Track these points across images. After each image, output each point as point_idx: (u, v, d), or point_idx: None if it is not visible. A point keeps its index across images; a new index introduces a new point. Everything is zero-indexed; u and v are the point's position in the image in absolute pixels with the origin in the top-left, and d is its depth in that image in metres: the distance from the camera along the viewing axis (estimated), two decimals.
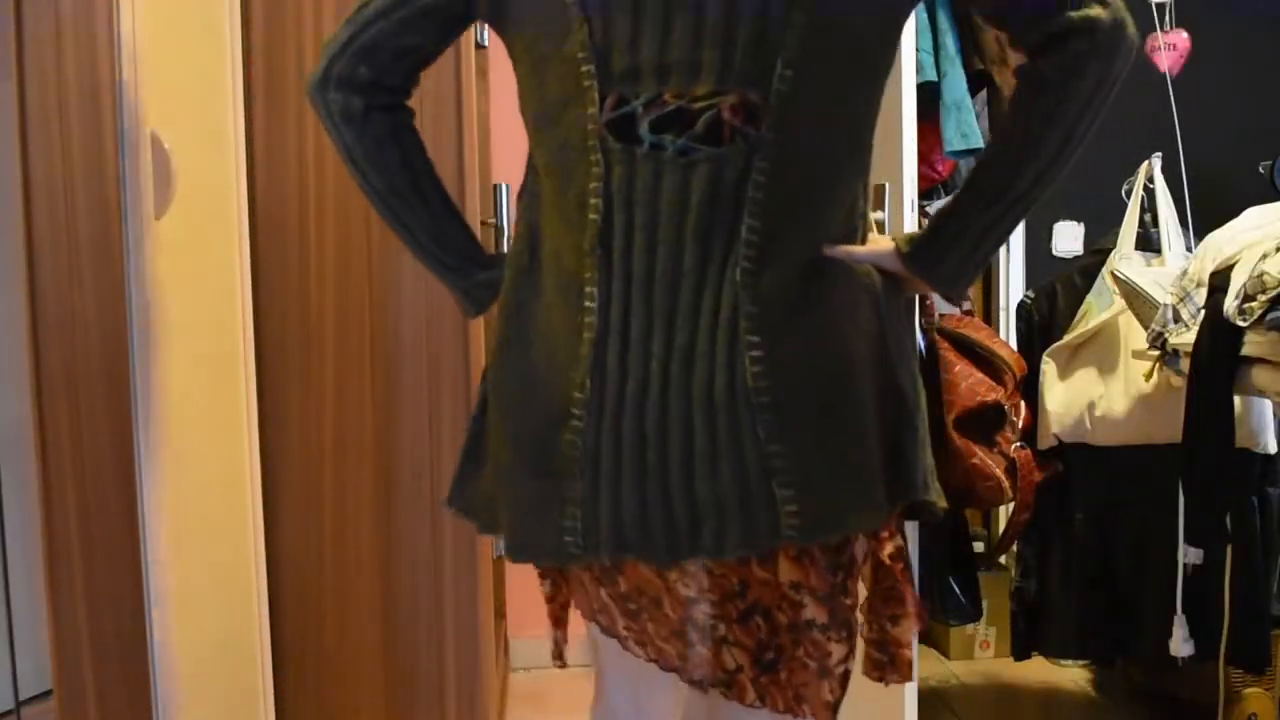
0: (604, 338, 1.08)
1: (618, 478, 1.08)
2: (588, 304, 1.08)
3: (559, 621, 1.33)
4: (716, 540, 1.08)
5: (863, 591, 1.21)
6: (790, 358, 1.06)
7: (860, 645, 1.22)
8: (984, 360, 2.22)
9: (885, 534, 1.18)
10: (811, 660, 1.15)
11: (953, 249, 1.12)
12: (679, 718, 1.35)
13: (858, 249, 1.13)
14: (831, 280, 1.10)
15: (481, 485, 1.23)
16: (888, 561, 1.18)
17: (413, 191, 1.23)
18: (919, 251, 1.13)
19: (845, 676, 1.16)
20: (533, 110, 1.15)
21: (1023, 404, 2.26)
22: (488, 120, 2.76)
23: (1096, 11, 1.02)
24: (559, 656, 1.34)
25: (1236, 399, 1.87)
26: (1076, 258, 3.04)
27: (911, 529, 2.18)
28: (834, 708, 1.15)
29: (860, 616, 1.21)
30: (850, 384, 1.09)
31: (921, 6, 2.19)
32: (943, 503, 1.19)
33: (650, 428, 1.07)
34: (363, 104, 1.18)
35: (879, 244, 1.15)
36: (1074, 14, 1.02)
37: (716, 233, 1.06)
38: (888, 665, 1.23)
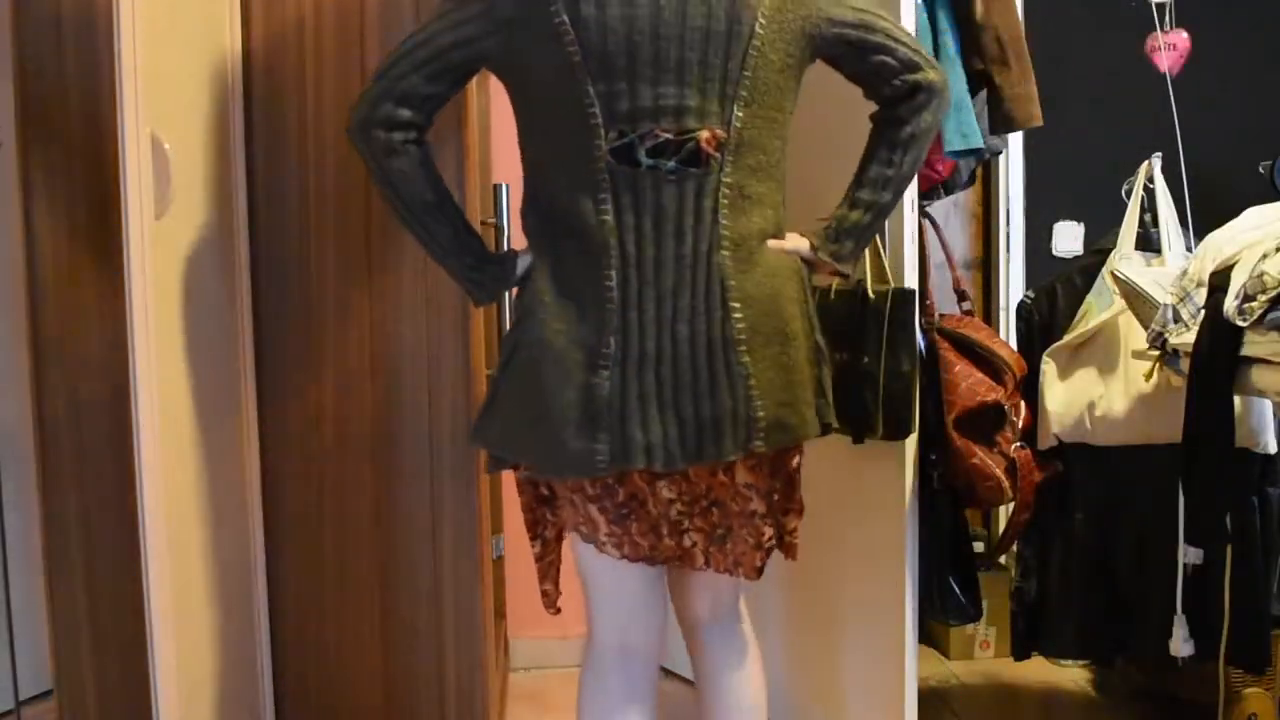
0: (624, 307, 1.46)
1: (645, 412, 1.47)
2: (607, 283, 1.46)
3: (546, 576, 1.69)
4: (717, 448, 1.49)
5: None
6: (756, 318, 1.50)
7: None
8: (984, 360, 2.22)
9: (795, 449, 1.62)
10: (750, 538, 1.59)
11: (845, 244, 1.62)
12: (662, 655, 1.72)
13: (787, 243, 1.58)
14: (776, 262, 1.55)
15: (500, 428, 1.57)
16: (792, 468, 1.62)
17: (438, 208, 1.56)
18: (825, 246, 1.61)
19: (770, 550, 1.61)
20: (542, 140, 1.52)
21: (1023, 404, 2.26)
22: (488, 120, 2.76)
23: (930, 75, 1.57)
24: (552, 606, 1.69)
25: (1236, 399, 1.87)
26: (1076, 258, 3.04)
27: (912, 528, 2.19)
28: (760, 570, 1.61)
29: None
30: (790, 337, 1.54)
31: (922, 7, 2.20)
32: (836, 423, 1.66)
33: (666, 373, 1.47)
34: (400, 139, 1.52)
35: (800, 240, 1.60)
36: (918, 76, 1.56)
37: (701, 229, 1.49)
38: (783, 544, 1.65)
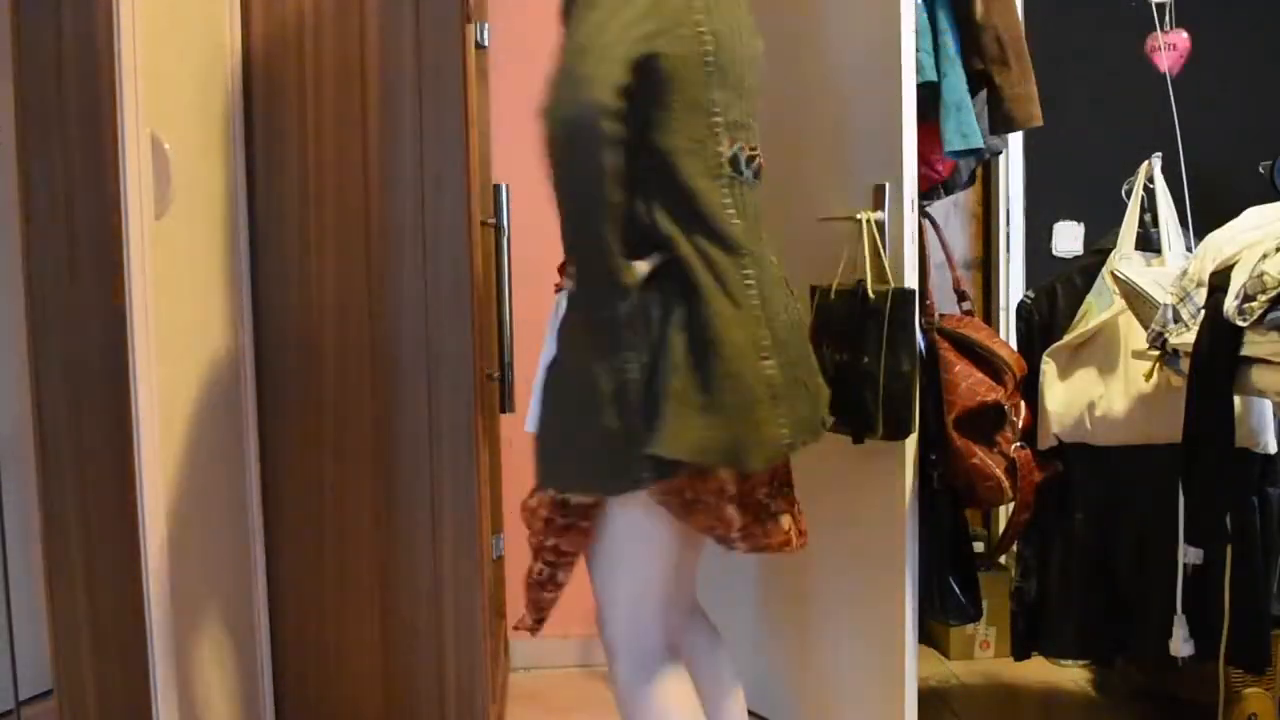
0: (763, 300, 1.58)
1: (799, 393, 1.61)
2: (749, 281, 1.56)
3: (549, 606, 1.67)
4: (826, 418, 1.71)
5: None
6: (803, 306, 1.74)
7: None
8: (984, 360, 2.22)
9: None
10: (796, 504, 1.75)
11: None
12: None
13: None
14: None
15: (697, 432, 1.49)
16: None
17: (615, 210, 1.46)
18: None
19: None
20: (677, 141, 1.53)
21: (1023, 404, 2.26)
22: (488, 120, 2.76)
23: None
24: (538, 625, 1.70)
25: (1236, 399, 1.87)
26: (1076, 258, 3.04)
27: (912, 528, 2.19)
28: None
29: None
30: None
31: (922, 7, 2.20)
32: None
33: (798, 357, 1.63)
34: (619, 130, 1.41)
35: None
36: None
37: (765, 234, 1.64)
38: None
